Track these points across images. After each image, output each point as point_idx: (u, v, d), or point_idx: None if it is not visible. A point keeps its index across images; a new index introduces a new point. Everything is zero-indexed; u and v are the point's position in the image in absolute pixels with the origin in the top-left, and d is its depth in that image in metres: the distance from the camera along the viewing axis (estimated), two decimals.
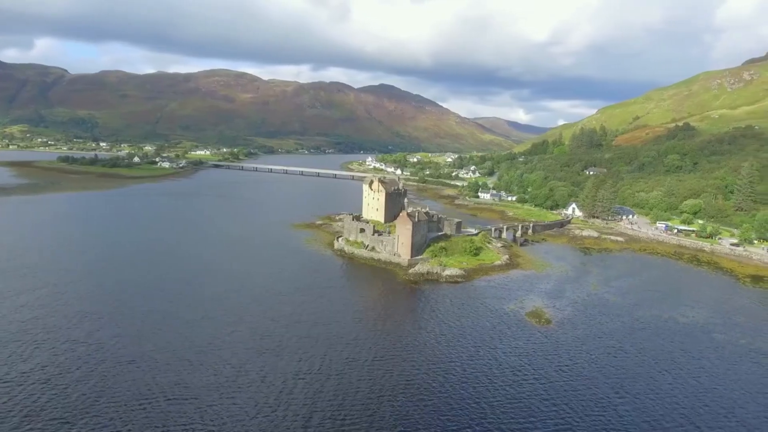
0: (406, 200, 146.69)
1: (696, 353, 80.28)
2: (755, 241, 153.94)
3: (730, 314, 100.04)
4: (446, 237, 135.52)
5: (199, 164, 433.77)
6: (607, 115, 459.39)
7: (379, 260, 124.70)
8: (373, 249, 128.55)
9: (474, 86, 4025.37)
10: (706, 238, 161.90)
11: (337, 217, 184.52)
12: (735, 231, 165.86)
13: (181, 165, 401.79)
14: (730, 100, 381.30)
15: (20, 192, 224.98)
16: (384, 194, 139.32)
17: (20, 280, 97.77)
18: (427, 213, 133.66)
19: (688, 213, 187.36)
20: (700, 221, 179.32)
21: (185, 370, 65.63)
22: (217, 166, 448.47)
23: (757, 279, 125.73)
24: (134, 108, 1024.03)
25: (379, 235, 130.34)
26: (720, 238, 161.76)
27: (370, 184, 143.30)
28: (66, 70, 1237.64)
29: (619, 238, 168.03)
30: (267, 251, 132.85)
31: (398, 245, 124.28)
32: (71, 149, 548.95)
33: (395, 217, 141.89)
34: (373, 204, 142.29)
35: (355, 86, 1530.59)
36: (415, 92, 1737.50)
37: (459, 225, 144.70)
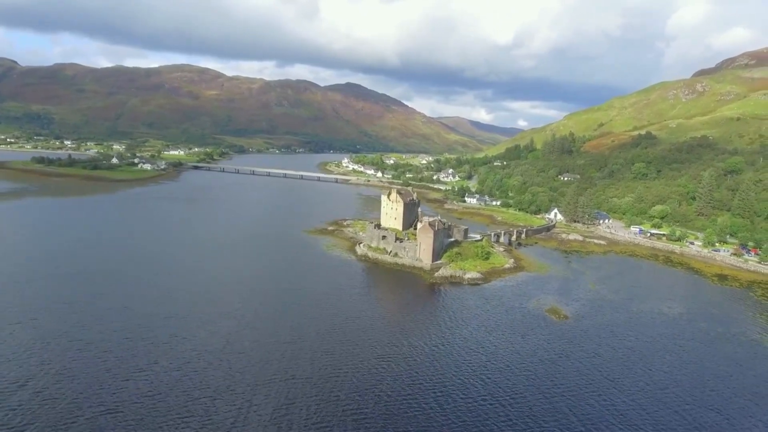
0: (420, 210, 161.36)
1: (684, 337, 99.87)
2: (716, 244, 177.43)
3: (705, 307, 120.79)
4: (458, 243, 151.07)
5: (178, 166, 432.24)
6: (574, 121, 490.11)
7: (403, 265, 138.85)
8: (396, 255, 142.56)
9: (439, 86, 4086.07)
10: (676, 241, 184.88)
11: (345, 223, 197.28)
12: (699, 235, 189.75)
13: (162, 167, 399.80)
14: (685, 110, 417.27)
15: (16, 197, 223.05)
16: (402, 204, 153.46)
17: (107, 287, 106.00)
18: (441, 221, 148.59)
19: (657, 218, 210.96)
20: (669, 225, 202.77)
21: (284, 357, 78.81)
22: (196, 167, 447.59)
23: (722, 278, 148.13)
24: (92, 103, 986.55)
25: (400, 242, 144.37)
26: (687, 241, 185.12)
27: (389, 195, 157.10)
28: (16, 62, 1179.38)
29: (601, 242, 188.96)
30: (296, 257, 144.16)
31: (420, 251, 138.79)
32: (36, 148, 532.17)
33: (411, 225, 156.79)
34: (391, 213, 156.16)
35: (321, 84, 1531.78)
36: (381, 91, 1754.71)
37: (466, 231, 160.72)
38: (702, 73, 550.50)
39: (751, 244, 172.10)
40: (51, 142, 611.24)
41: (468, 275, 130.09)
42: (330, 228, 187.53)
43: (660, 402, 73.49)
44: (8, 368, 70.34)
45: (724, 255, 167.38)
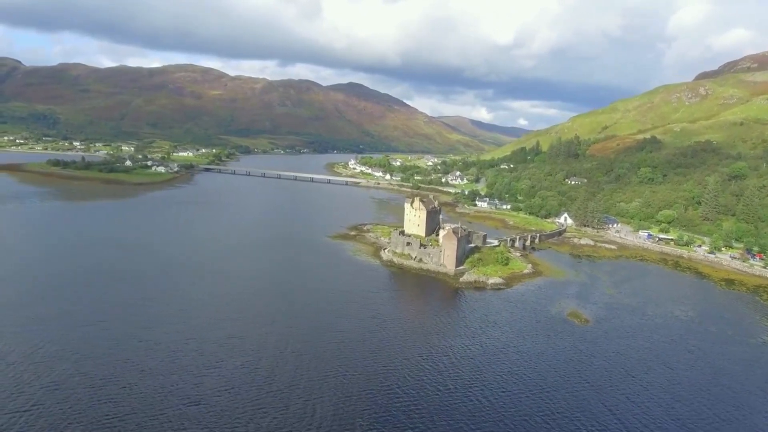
0: (441, 217, 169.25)
1: (697, 338, 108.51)
2: (722, 248, 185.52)
3: (715, 311, 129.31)
4: (478, 249, 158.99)
5: (190, 168, 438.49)
6: (578, 124, 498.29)
7: (428, 270, 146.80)
8: (420, 260, 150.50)
9: (440, 85, 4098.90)
10: (684, 245, 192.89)
11: (365, 228, 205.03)
12: (705, 239, 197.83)
13: (175, 170, 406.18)
14: (688, 114, 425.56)
15: (45, 200, 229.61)
16: (425, 212, 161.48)
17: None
18: (463, 228, 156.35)
19: (664, 222, 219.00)
20: (676, 230, 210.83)
21: (336, 357, 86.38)
22: (208, 169, 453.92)
23: (729, 282, 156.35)
24: (96, 103, 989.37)
25: (424, 248, 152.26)
26: (695, 245, 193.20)
27: (412, 203, 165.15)
28: (19, 62, 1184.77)
29: (612, 246, 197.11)
30: (326, 262, 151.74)
31: (444, 257, 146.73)
32: (46, 149, 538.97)
33: (433, 231, 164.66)
34: (414, 220, 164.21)
35: (323, 83, 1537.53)
36: (382, 91, 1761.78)
37: (485, 237, 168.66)
38: (704, 75, 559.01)
39: (755, 248, 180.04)
40: (60, 144, 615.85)
41: (491, 280, 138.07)
42: (351, 233, 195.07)
43: (680, 396, 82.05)
44: (96, 367, 78.35)
45: (727, 259, 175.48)
